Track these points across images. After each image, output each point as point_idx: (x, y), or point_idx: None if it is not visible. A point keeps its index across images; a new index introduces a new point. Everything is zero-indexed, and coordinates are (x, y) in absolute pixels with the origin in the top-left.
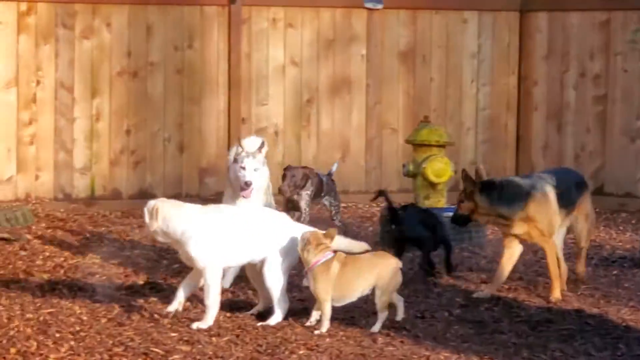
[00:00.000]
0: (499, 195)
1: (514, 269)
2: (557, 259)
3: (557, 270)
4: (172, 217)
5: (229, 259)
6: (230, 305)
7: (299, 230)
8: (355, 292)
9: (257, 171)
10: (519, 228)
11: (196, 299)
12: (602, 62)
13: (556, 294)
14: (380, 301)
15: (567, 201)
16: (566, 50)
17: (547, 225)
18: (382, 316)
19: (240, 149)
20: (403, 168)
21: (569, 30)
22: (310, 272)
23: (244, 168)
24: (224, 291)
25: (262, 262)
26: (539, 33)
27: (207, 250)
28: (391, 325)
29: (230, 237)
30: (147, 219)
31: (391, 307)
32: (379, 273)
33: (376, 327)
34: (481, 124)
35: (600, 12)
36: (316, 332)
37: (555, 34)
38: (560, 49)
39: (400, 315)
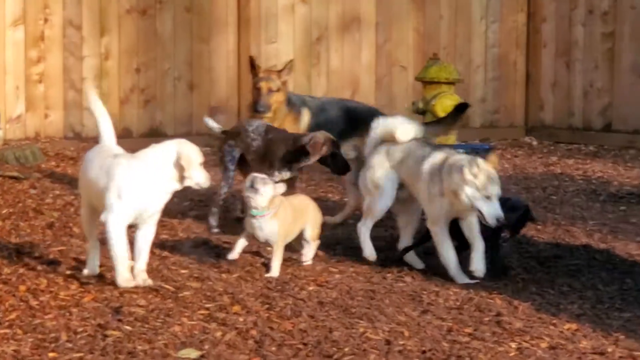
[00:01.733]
0: None
1: None
2: None
3: None
4: None
5: None
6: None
7: None
8: (296, 232)
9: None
10: None
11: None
12: None
13: None
14: (313, 234)
15: None
16: None
17: None
18: (317, 244)
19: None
20: (413, 105)
21: None
22: (265, 218)
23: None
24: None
25: None
26: None
27: None
28: (400, 262)
29: None
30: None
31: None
32: (310, 212)
33: (309, 256)
34: (490, 61)
35: None
36: (267, 275)
37: None
38: None
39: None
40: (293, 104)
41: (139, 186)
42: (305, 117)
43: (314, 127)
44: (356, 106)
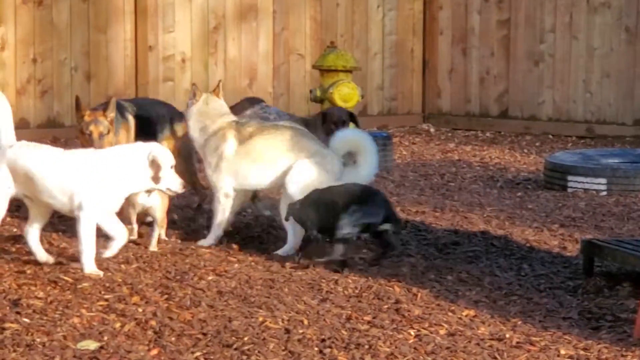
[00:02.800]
0: None
1: (422, 193)
2: None
3: None
4: None
5: None
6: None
7: None
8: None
9: None
10: None
11: None
12: None
13: None
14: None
15: None
16: None
17: None
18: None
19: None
20: (310, 93)
21: None
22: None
23: None
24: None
25: None
26: None
27: None
28: (299, 250)
29: None
30: None
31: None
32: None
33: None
34: (387, 48)
35: None
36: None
37: None
38: None
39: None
40: (118, 117)
41: (108, 184)
42: (132, 122)
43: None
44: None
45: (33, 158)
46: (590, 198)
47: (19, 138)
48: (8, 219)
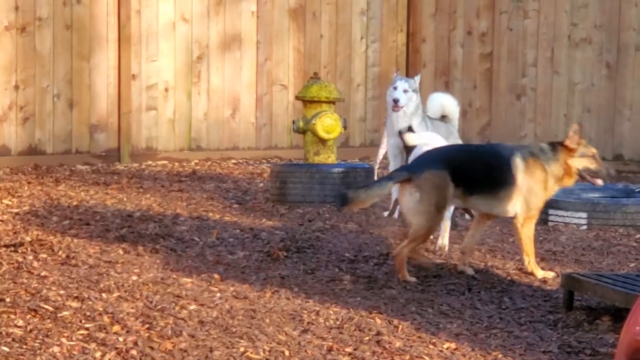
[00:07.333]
0: None
1: (404, 224)
2: None
3: None
4: None
5: None
6: (122, 263)
7: None
8: None
9: (406, 93)
10: None
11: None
12: (488, 20)
13: None
14: None
15: None
16: (453, 9)
17: None
18: None
19: (395, 74)
20: (293, 124)
21: None
22: None
23: (395, 88)
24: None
25: None
26: None
27: None
28: (281, 281)
29: None
30: None
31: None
32: None
33: None
34: (370, 80)
35: None
36: None
37: None
38: (447, 6)
39: None
40: None
41: None
42: None
43: None
44: None
45: None
46: (570, 232)
47: (0, 165)
48: None
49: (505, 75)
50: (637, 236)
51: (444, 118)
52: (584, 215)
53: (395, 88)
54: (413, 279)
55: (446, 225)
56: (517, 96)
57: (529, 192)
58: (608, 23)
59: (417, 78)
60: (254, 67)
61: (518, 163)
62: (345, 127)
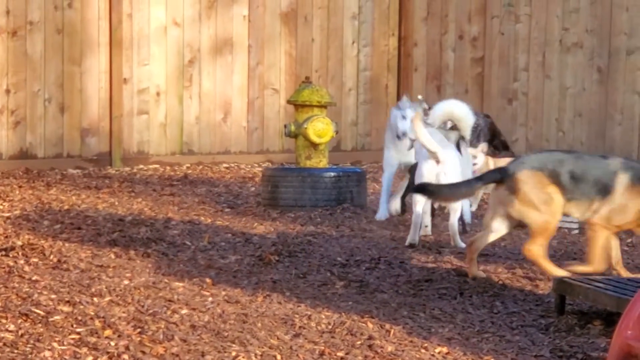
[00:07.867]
0: None
1: (396, 229)
2: None
3: None
4: None
5: None
6: (114, 267)
7: None
8: None
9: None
10: None
11: None
12: (480, 24)
13: None
14: None
15: None
16: (445, 13)
17: None
18: None
19: (404, 98)
20: (285, 128)
21: None
22: None
23: (404, 117)
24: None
25: None
26: None
27: None
28: (273, 285)
29: None
30: None
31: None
32: None
33: None
34: (362, 84)
35: None
36: None
37: None
38: (439, 11)
39: None
40: None
41: None
42: None
43: None
44: None
45: None
46: (562, 236)
47: None
48: None
49: (496, 79)
50: (628, 240)
51: (446, 125)
52: (576, 219)
53: (404, 117)
54: None
55: (418, 221)
56: (508, 100)
57: (621, 208)
58: (599, 28)
59: (421, 99)
60: (246, 71)
61: (624, 180)
62: (336, 132)
